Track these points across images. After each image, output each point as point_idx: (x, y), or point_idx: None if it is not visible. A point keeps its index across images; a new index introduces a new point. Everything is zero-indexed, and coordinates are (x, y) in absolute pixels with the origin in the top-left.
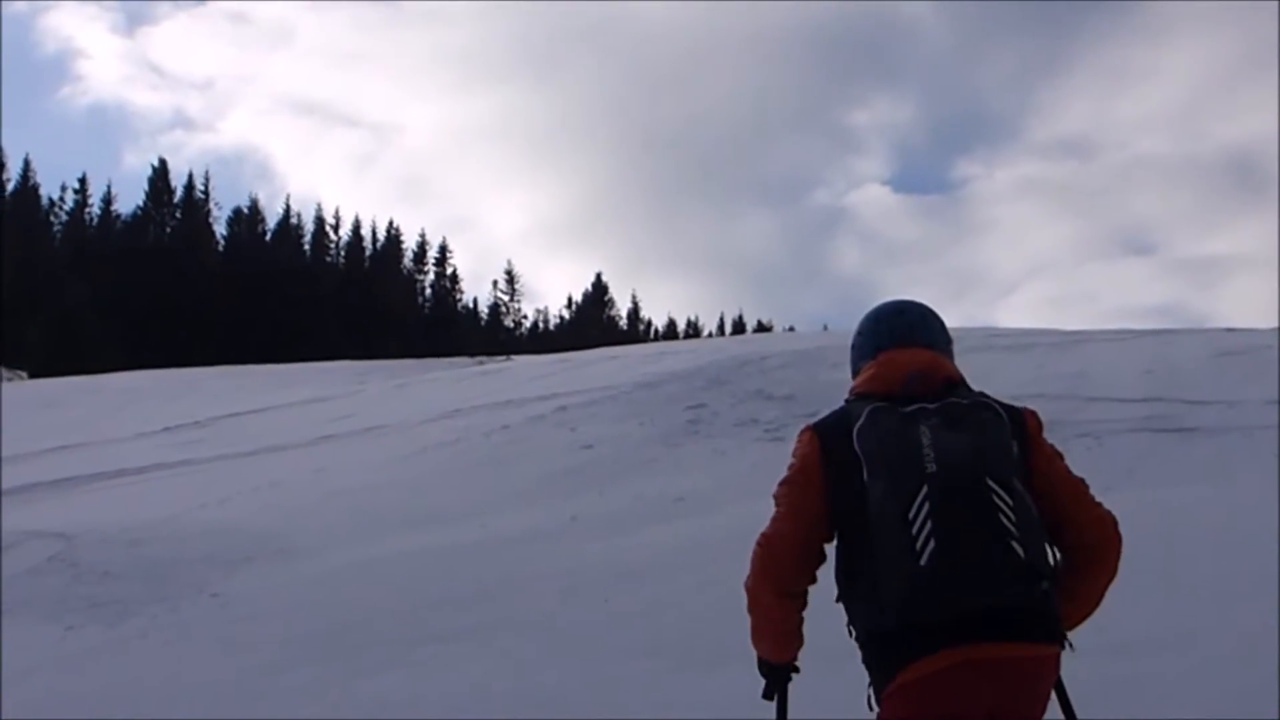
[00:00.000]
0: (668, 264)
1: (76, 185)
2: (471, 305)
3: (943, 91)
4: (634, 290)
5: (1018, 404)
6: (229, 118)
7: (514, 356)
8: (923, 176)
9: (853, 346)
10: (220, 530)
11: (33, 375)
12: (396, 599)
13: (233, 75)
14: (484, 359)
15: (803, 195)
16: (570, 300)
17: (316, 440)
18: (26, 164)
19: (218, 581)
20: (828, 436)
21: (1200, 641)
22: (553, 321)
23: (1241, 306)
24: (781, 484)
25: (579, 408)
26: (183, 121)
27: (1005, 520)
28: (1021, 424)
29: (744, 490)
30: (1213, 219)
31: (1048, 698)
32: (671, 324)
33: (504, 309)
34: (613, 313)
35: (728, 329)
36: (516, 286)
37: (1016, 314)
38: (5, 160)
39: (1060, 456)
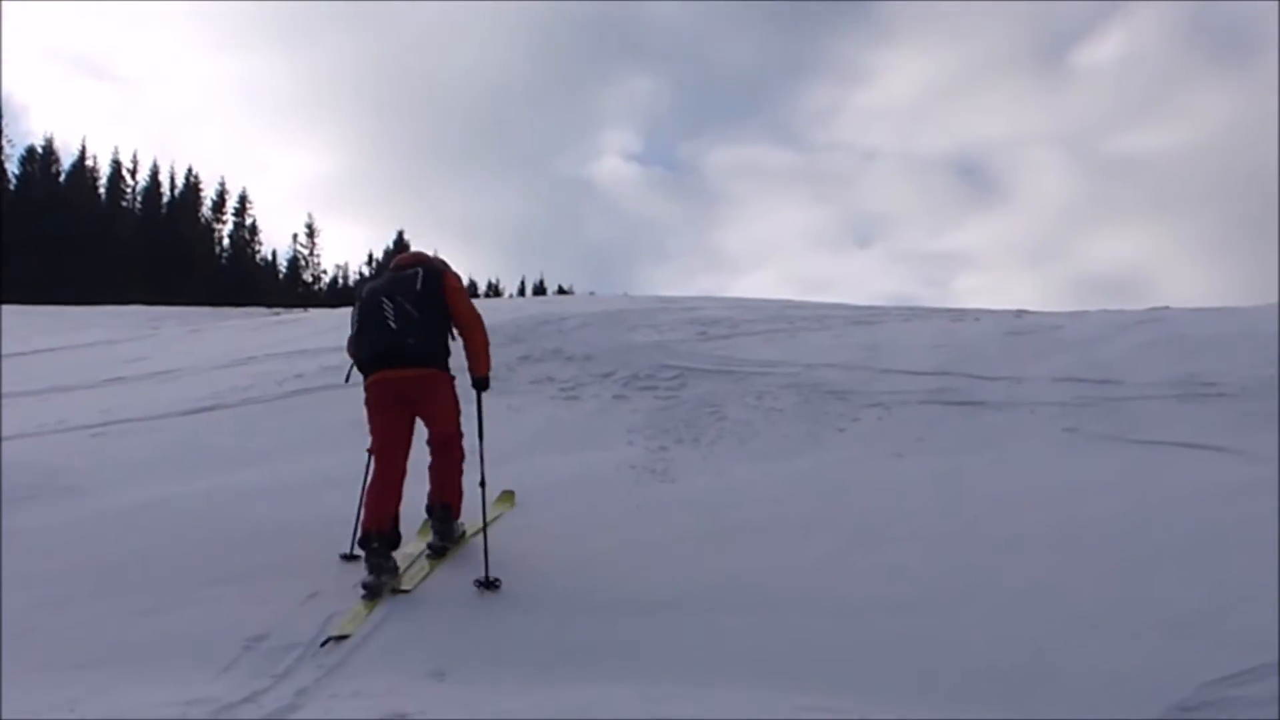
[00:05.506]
0: (468, 227)
1: None
2: (270, 257)
3: (686, 76)
4: (436, 250)
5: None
6: None
7: (310, 309)
8: (665, 155)
9: None
10: (6, 467)
11: None
12: (182, 540)
13: None
14: (281, 310)
15: (550, 165)
16: (371, 257)
17: (105, 382)
18: None
19: (2, 517)
20: (355, 288)
21: (983, 596)
22: (352, 277)
23: (969, 303)
24: None
25: None
26: None
27: (386, 314)
28: (436, 271)
29: (537, 446)
30: (940, 217)
31: (444, 395)
32: (473, 284)
33: (303, 262)
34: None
35: (529, 292)
36: (317, 241)
37: (753, 295)
38: None
39: (460, 284)
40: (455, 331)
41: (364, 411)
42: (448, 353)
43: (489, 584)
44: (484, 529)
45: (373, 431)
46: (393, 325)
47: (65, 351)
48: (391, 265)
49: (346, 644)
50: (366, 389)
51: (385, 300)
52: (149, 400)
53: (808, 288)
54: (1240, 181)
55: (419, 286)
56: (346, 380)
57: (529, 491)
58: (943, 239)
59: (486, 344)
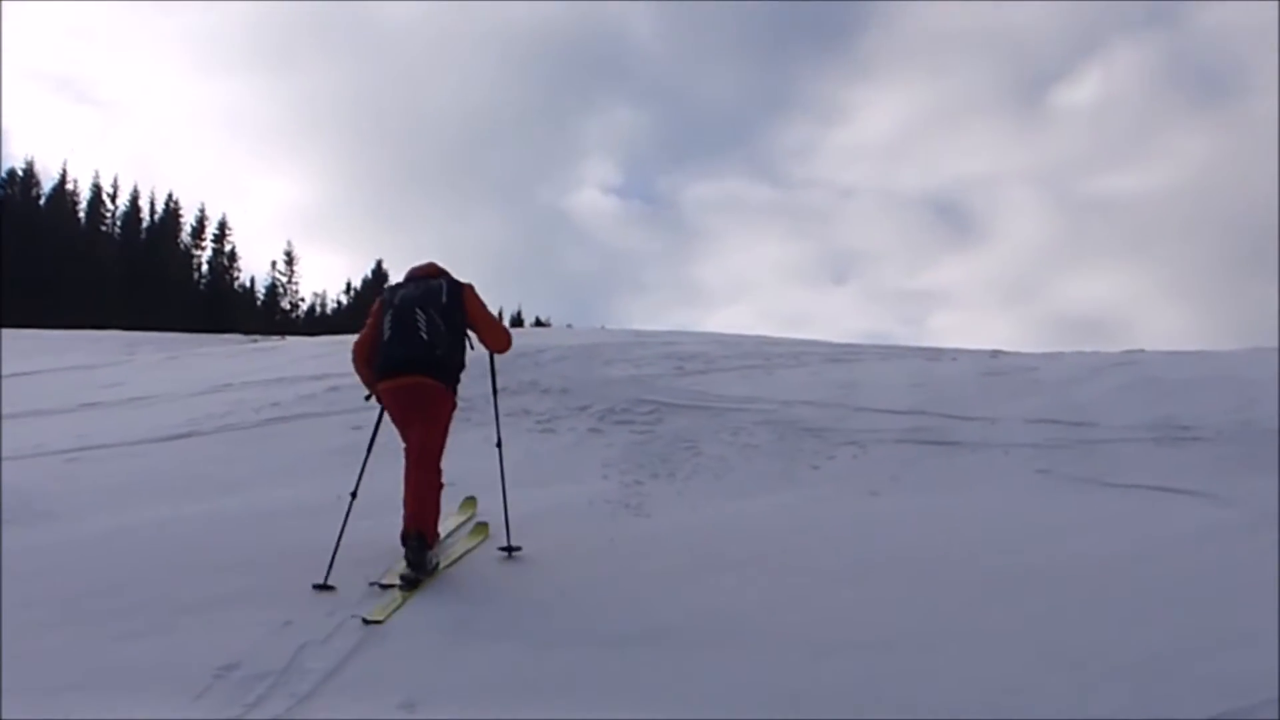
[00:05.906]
0: (446, 257)
1: None
2: (249, 284)
3: (665, 110)
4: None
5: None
6: None
7: (288, 337)
8: (644, 188)
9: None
10: None
11: None
12: (156, 566)
13: None
14: (258, 337)
15: (528, 196)
16: (349, 286)
17: (81, 407)
18: None
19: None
20: (385, 295)
21: (957, 635)
22: (330, 306)
23: (945, 342)
24: (367, 318)
25: (351, 388)
26: None
27: (419, 324)
28: (458, 286)
29: (512, 478)
30: (917, 255)
31: (442, 415)
32: None
33: (281, 290)
34: None
35: (506, 323)
36: (295, 268)
37: (729, 329)
38: None
39: (479, 305)
40: (473, 342)
41: (364, 431)
42: (462, 367)
43: (511, 549)
44: (504, 492)
45: (403, 438)
46: (424, 336)
47: (42, 375)
48: (414, 274)
49: (317, 674)
50: (382, 395)
51: (419, 311)
52: (125, 426)
53: (784, 323)
54: (1217, 224)
55: (444, 300)
56: (367, 399)
57: (503, 524)
58: (919, 277)
59: (508, 350)
